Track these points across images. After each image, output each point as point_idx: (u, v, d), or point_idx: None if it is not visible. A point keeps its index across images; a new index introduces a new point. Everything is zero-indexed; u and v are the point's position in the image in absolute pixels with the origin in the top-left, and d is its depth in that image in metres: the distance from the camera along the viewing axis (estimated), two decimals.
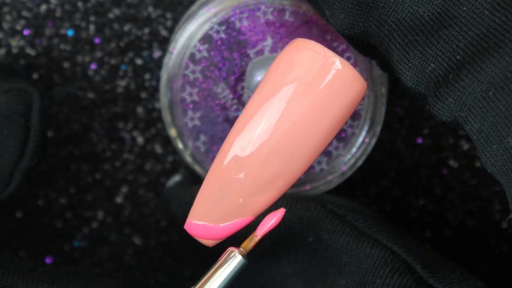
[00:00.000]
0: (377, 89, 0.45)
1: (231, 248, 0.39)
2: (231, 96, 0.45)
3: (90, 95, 0.51)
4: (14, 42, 0.50)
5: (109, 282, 0.42)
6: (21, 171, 0.44)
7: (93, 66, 0.50)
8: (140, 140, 0.51)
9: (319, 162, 0.46)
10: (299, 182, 0.46)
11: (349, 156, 0.46)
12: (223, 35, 0.44)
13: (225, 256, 0.39)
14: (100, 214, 0.51)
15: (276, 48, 0.44)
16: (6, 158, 0.43)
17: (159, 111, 0.51)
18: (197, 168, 0.46)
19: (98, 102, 0.51)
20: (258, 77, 0.45)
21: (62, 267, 0.43)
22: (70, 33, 0.50)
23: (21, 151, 0.43)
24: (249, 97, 0.45)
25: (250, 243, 0.39)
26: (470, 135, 0.36)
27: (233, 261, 0.39)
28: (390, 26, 0.37)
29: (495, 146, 0.35)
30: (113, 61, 0.50)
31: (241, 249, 0.39)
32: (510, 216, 0.37)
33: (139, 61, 0.50)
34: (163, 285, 0.47)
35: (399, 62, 0.37)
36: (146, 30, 0.50)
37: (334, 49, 0.44)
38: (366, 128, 0.46)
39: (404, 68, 0.37)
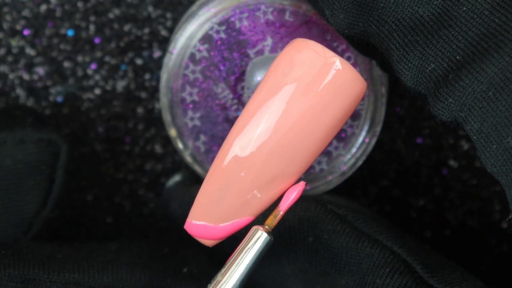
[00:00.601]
0: (377, 89, 0.45)
1: (255, 227, 0.38)
2: (231, 96, 0.45)
3: (90, 95, 0.51)
4: (14, 42, 0.50)
5: (127, 261, 0.42)
6: (40, 221, 0.44)
7: (93, 66, 0.50)
8: (140, 140, 0.51)
9: (319, 162, 0.46)
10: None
11: (349, 156, 0.46)
12: (223, 35, 0.44)
13: (250, 235, 0.38)
14: (100, 214, 0.51)
15: (276, 48, 0.44)
16: (29, 208, 0.44)
17: (159, 111, 0.51)
18: (197, 168, 0.46)
19: (98, 102, 0.51)
20: (258, 77, 0.45)
21: (79, 248, 0.43)
22: (70, 33, 0.50)
23: (44, 202, 0.44)
24: (249, 97, 0.45)
25: (274, 219, 0.39)
26: (470, 135, 0.36)
27: (259, 239, 0.38)
28: (390, 26, 0.37)
29: (495, 146, 0.35)
30: (113, 61, 0.50)
31: (266, 226, 0.39)
32: (510, 216, 0.37)
33: (139, 61, 0.50)
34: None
35: (399, 62, 0.37)
36: (146, 30, 0.50)
37: (334, 49, 0.44)
38: (366, 128, 0.46)
39: (404, 68, 0.37)
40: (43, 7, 0.50)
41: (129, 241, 0.45)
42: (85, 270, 0.41)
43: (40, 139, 0.44)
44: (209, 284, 0.38)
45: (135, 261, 0.42)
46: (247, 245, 0.38)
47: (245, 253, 0.38)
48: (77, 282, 0.41)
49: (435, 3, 0.36)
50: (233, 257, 0.38)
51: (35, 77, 0.50)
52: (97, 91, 0.51)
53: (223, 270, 0.38)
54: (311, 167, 0.46)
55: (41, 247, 0.42)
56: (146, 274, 0.42)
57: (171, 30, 0.50)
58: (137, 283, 0.42)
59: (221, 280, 0.38)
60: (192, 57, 0.45)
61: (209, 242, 0.39)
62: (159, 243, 0.45)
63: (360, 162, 0.46)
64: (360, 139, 0.46)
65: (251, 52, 0.45)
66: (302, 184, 0.39)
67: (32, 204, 0.44)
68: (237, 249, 0.38)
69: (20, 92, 0.50)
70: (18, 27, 0.50)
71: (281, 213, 0.39)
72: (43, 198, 0.44)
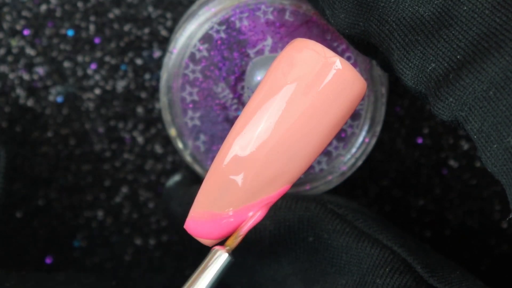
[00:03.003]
0: (377, 89, 0.45)
1: (216, 247, 0.39)
2: (231, 95, 0.45)
3: (90, 95, 0.51)
4: (14, 42, 0.50)
5: None
6: None
7: (93, 66, 0.50)
8: (140, 140, 0.51)
9: (319, 162, 0.46)
10: (299, 182, 0.46)
11: (349, 156, 0.46)
12: (223, 35, 0.44)
13: (211, 255, 0.38)
14: (100, 214, 0.51)
15: (276, 48, 0.44)
16: None
17: (159, 111, 0.51)
18: (197, 168, 0.46)
19: (98, 102, 0.51)
20: (258, 77, 0.45)
21: (27, 276, 0.42)
22: (70, 33, 0.50)
23: None
24: (249, 96, 0.45)
25: (235, 240, 0.39)
26: (471, 135, 0.36)
27: (218, 259, 0.38)
28: (391, 25, 0.37)
29: (495, 146, 0.35)
30: (113, 61, 0.50)
31: (227, 247, 0.39)
32: (510, 216, 0.37)
33: (139, 61, 0.50)
34: (163, 285, 0.47)
35: (399, 62, 0.37)
36: (146, 30, 0.50)
37: (334, 49, 0.44)
38: (366, 128, 0.46)
39: (405, 68, 0.37)
40: (43, 7, 0.50)
41: (76, 273, 0.44)
42: None
43: None
44: None
45: None
46: (207, 264, 0.38)
47: (204, 273, 0.38)
48: None
49: (435, 2, 0.36)
50: (193, 277, 0.38)
51: (35, 77, 0.50)
52: (97, 91, 0.51)
53: None
54: (311, 167, 0.46)
55: None
56: None
57: (171, 30, 0.50)
58: None
59: None
60: (192, 57, 0.45)
61: (209, 242, 0.39)
62: (107, 276, 0.45)
63: (360, 162, 0.46)
64: (360, 139, 0.46)
65: (251, 51, 0.45)
66: (262, 210, 0.39)
67: None
68: (197, 269, 0.38)
69: (20, 92, 0.50)
70: (18, 27, 0.50)
71: (242, 235, 0.39)
72: None
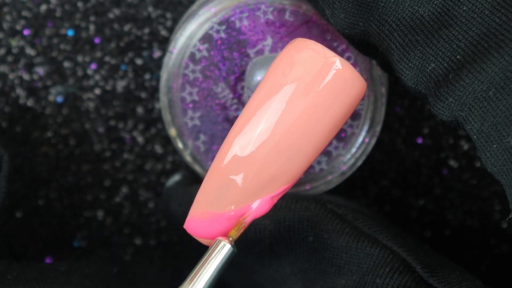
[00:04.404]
0: (377, 89, 0.45)
1: (219, 238, 0.38)
2: (231, 95, 0.45)
3: (90, 95, 0.51)
4: (14, 42, 0.50)
5: (77, 282, 0.41)
6: None
7: (93, 66, 0.50)
8: (140, 140, 0.51)
9: (319, 162, 0.46)
10: (299, 182, 0.46)
11: (349, 156, 0.46)
12: (223, 35, 0.44)
13: (213, 246, 0.38)
14: (100, 214, 0.51)
15: (276, 48, 0.44)
16: None
17: (159, 111, 0.51)
18: (197, 168, 0.46)
19: (98, 102, 0.51)
20: (258, 77, 0.45)
21: (29, 267, 0.42)
22: (70, 33, 0.50)
23: None
24: (249, 96, 0.45)
25: (237, 231, 0.39)
26: (470, 135, 0.36)
27: (222, 250, 0.38)
28: (391, 25, 0.37)
29: (495, 146, 0.35)
30: (113, 61, 0.50)
31: (230, 238, 0.39)
32: (510, 216, 0.37)
33: (139, 61, 0.50)
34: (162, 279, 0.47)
35: (399, 62, 0.37)
36: (146, 30, 0.50)
37: (334, 49, 0.44)
38: (366, 128, 0.46)
39: (405, 68, 0.37)
40: (43, 7, 0.50)
41: (78, 261, 0.44)
42: None
43: None
44: None
45: (84, 282, 0.42)
46: (210, 256, 0.38)
47: (208, 264, 0.38)
48: None
49: (435, 2, 0.36)
50: (196, 268, 0.38)
51: (35, 77, 0.50)
52: (97, 91, 0.51)
53: (186, 281, 0.38)
54: (311, 167, 0.46)
55: None
56: None
57: (171, 30, 0.50)
58: None
59: None
60: (192, 57, 0.45)
61: (209, 242, 0.39)
62: (108, 263, 0.45)
63: (360, 162, 0.46)
64: (360, 139, 0.46)
65: (251, 51, 0.45)
66: (268, 197, 0.39)
67: None
68: (200, 260, 0.38)
69: (20, 92, 0.50)
70: (18, 27, 0.50)
71: (245, 225, 0.39)
72: None
